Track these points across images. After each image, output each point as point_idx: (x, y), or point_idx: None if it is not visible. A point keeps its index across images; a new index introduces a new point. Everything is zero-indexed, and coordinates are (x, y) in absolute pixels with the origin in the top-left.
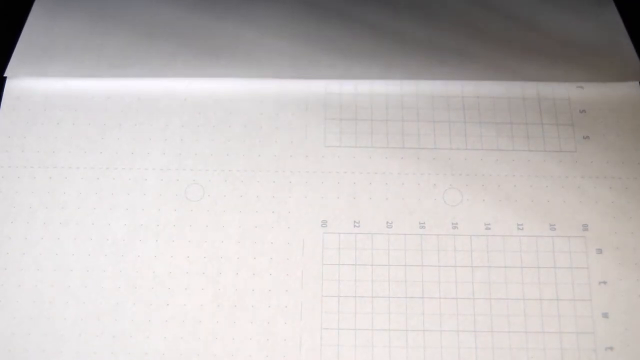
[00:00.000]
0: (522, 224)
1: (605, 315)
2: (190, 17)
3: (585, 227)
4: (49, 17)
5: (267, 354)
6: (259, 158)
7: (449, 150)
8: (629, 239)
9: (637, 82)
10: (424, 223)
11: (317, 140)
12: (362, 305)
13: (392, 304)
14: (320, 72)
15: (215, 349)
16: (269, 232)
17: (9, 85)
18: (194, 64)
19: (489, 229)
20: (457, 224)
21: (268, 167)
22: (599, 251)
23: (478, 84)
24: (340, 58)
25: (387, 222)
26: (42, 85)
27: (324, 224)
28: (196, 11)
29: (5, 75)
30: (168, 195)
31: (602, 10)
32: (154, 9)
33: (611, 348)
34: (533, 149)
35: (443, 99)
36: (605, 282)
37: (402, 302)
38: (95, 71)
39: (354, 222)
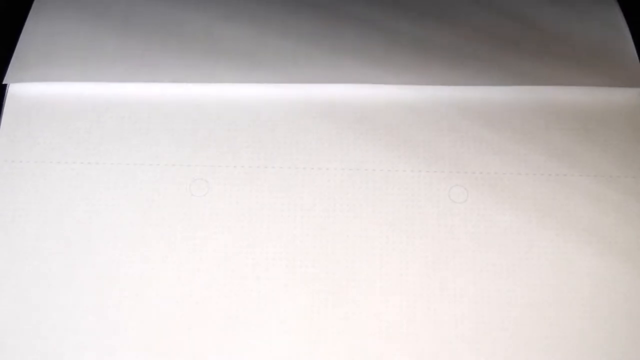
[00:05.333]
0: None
1: None
2: (195, 19)
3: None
4: (48, 24)
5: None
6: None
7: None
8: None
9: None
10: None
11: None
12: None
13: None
14: (324, 74)
15: (228, 337)
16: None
17: (10, 92)
18: (200, 68)
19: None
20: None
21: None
22: None
23: (484, 88)
24: (348, 59)
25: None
26: (45, 91)
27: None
28: (198, 13)
29: (4, 82)
30: (172, 191)
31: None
32: (159, 11)
33: None
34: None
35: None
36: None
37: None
38: (98, 75)
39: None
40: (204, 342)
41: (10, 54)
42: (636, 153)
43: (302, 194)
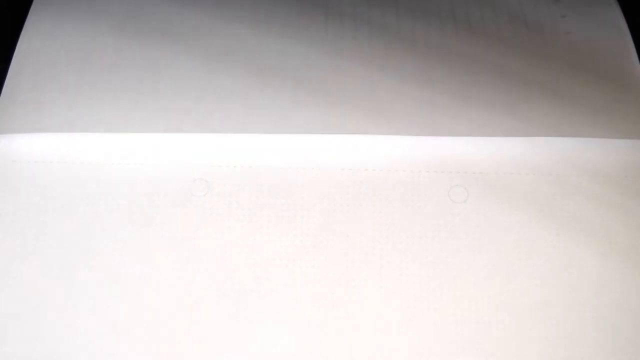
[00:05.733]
0: None
1: None
2: (188, 59)
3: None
4: (34, 70)
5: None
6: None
7: None
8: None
9: None
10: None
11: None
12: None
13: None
14: None
15: (228, 337)
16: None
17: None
18: (194, 116)
19: None
20: None
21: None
22: None
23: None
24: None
25: None
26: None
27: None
28: (190, 54)
29: None
30: (172, 191)
31: None
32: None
33: None
34: None
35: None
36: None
37: None
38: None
39: None
40: (204, 342)
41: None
42: (636, 151)
43: (302, 194)
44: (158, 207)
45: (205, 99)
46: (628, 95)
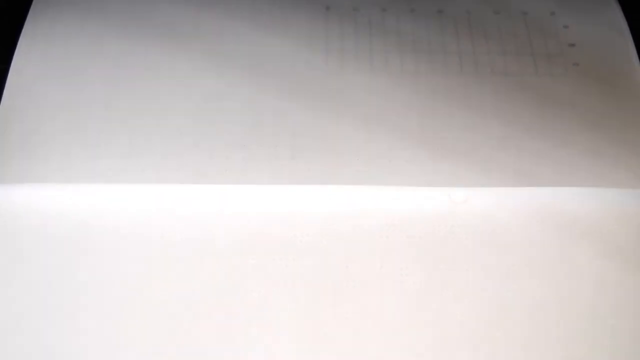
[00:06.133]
0: None
1: None
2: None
3: None
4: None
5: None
6: None
7: None
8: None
9: None
10: None
11: None
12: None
13: None
14: None
15: (228, 337)
16: None
17: None
18: (186, 168)
19: None
20: None
21: None
22: None
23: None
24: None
25: None
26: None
27: None
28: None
29: None
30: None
31: None
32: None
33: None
34: None
35: None
36: None
37: None
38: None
39: None
40: (204, 343)
41: None
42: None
43: (302, 194)
44: (158, 209)
45: (199, 147)
46: None
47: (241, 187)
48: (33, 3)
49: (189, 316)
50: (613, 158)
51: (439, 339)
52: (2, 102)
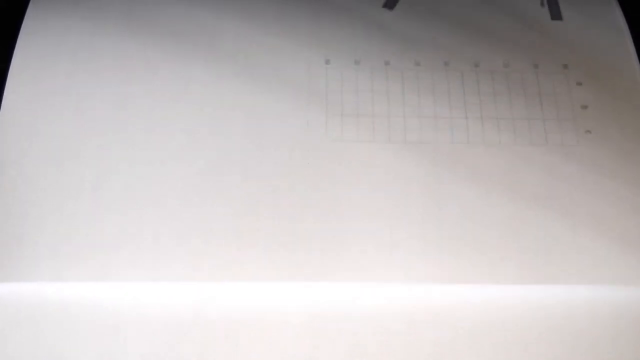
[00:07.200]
0: None
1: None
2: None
3: None
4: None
5: None
6: None
7: None
8: None
9: None
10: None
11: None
12: None
13: None
14: None
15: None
16: None
17: None
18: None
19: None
20: None
21: None
22: None
23: None
24: None
25: None
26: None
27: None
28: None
29: None
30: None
31: None
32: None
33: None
34: None
35: None
36: None
37: None
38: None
39: None
40: (204, 343)
41: None
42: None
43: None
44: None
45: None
46: None
47: (232, 284)
48: (30, 3)
49: None
50: None
51: (438, 338)
52: None
